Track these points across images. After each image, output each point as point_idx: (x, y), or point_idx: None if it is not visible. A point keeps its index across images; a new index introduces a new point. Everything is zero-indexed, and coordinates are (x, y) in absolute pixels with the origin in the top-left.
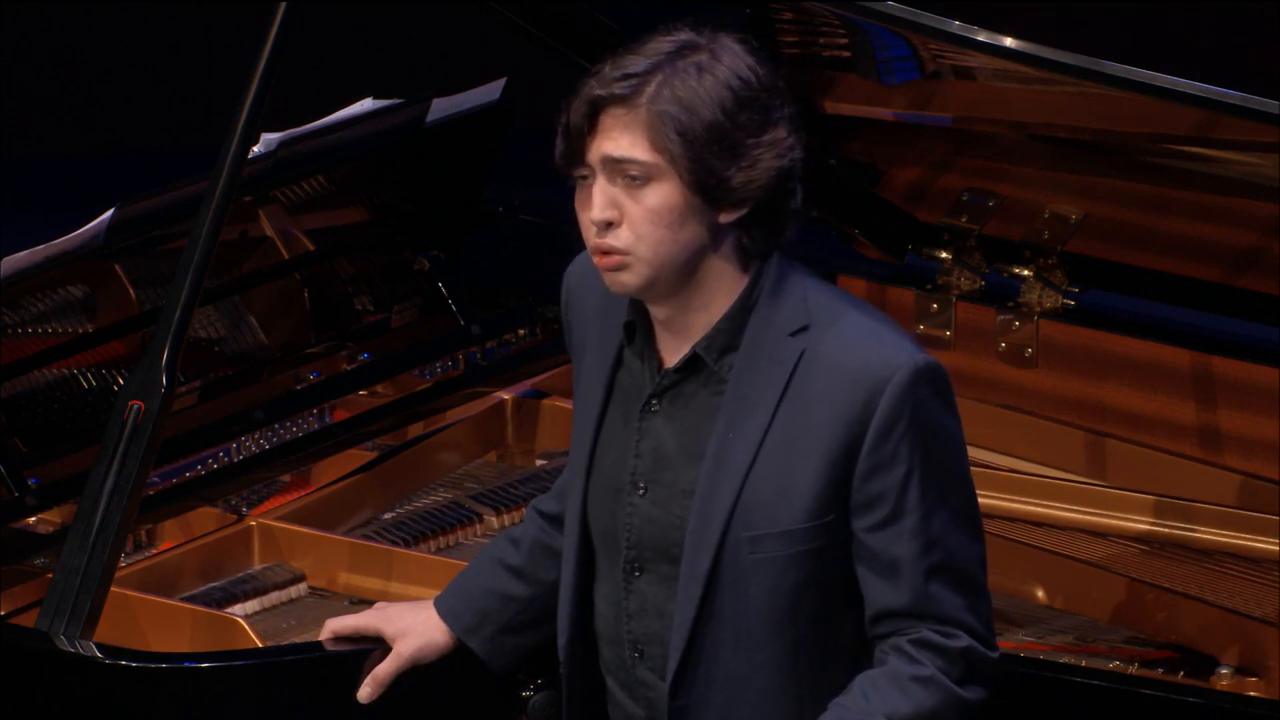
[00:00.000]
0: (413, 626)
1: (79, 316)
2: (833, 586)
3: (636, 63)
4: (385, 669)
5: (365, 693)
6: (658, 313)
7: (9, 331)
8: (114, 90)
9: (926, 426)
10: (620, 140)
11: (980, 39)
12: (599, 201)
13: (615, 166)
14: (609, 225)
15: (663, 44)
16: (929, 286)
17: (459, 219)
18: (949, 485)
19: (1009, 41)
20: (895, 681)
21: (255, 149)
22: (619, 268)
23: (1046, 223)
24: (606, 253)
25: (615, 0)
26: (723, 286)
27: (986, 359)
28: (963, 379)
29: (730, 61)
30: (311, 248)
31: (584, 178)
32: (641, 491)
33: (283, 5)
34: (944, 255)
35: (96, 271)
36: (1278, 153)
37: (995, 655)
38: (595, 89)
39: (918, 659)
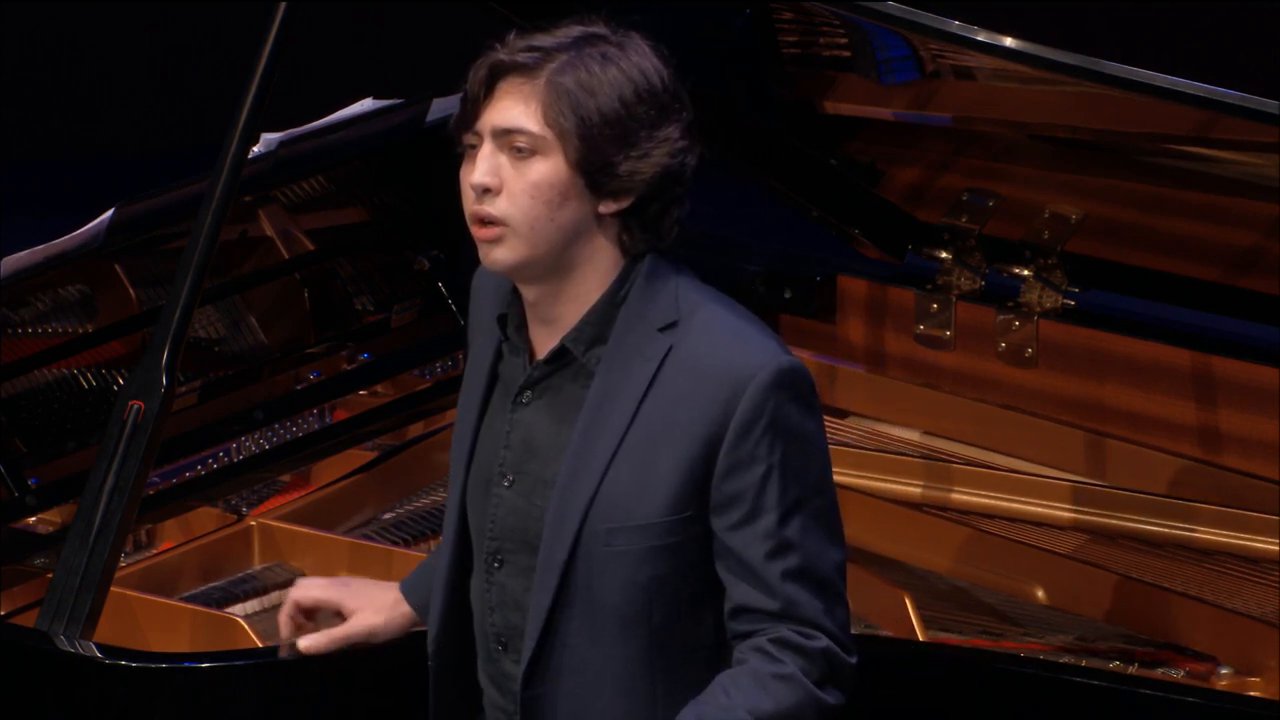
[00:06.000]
0: (373, 601)
1: (79, 316)
2: (689, 584)
3: (545, 39)
4: (339, 632)
5: (307, 643)
6: (529, 296)
7: (9, 331)
8: (114, 90)
9: (785, 428)
10: (513, 110)
11: (980, 39)
12: (482, 167)
13: (504, 136)
14: (487, 192)
15: (573, 29)
16: (929, 286)
17: (459, 219)
18: (808, 489)
19: (1009, 41)
20: (756, 679)
21: (255, 149)
22: (495, 240)
23: (1046, 223)
24: (483, 221)
25: (615, 0)
26: (596, 278)
27: (986, 359)
28: (963, 379)
29: (637, 58)
30: (311, 248)
31: (472, 146)
32: (507, 483)
33: (283, 5)
34: (944, 255)
35: (96, 271)
36: (1278, 153)
37: (853, 660)
38: (499, 55)
39: (778, 658)
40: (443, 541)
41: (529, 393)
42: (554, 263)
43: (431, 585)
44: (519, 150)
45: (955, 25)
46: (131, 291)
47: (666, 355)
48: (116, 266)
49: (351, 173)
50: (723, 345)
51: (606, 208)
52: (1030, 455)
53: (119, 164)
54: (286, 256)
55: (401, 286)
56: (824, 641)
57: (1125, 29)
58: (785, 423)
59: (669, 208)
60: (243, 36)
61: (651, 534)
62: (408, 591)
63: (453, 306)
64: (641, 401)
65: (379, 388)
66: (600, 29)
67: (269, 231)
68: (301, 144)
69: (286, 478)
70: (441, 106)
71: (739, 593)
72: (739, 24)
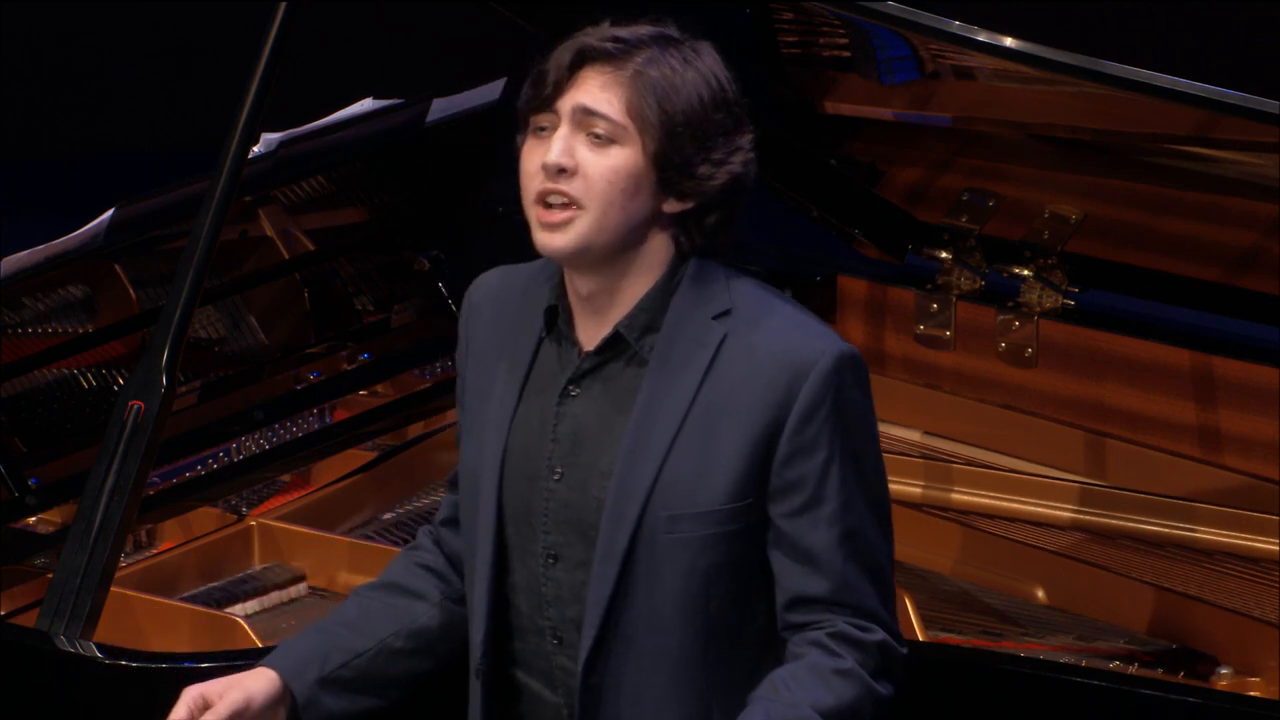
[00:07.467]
0: (234, 680)
1: (79, 316)
2: (745, 572)
3: (628, 34)
4: (217, 711)
5: None
6: (582, 288)
7: (9, 331)
8: (114, 90)
9: (848, 414)
10: (598, 95)
11: (980, 39)
12: (558, 147)
13: (584, 119)
14: (562, 172)
15: (650, 29)
16: (929, 286)
17: (459, 219)
18: (867, 475)
19: (1009, 41)
20: (816, 674)
21: (255, 149)
22: (564, 223)
23: (1046, 223)
24: (551, 203)
25: (615, 1)
26: (649, 272)
27: (986, 359)
28: (963, 379)
29: (711, 64)
30: (311, 248)
31: (542, 129)
32: (557, 476)
33: (283, 5)
34: (944, 255)
35: (96, 271)
36: (1278, 153)
37: (905, 651)
38: (587, 39)
39: (837, 652)
40: (479, 550)
41: (575, 385)
42: (613, 252)
43: (304, 649)
44: (596, 136)
45: (955, 25)
46: (131, 291)
47: (722, 342)
48: (116, 266)
49: (351, 173)
50: (782, 332)
51: (670, 207)
52: (1030, 455)
53: (119, 164)
54: (286, 256)
55: (401, 286)
56: (880, 634)
57: (1125, 29)
58: (847, 408)
59: (730, 217)
60: (243, 36)
61: (712, 520)
62: (274, 658)
63: (453, 306)
64: (699, 387)
65: (379, 388)
66: (673, 32)
67: (269, 231)
68: (301, 144)
69: (286, 478)
70: (441, 106)
71: (797, 582)
72: (739, 24)
